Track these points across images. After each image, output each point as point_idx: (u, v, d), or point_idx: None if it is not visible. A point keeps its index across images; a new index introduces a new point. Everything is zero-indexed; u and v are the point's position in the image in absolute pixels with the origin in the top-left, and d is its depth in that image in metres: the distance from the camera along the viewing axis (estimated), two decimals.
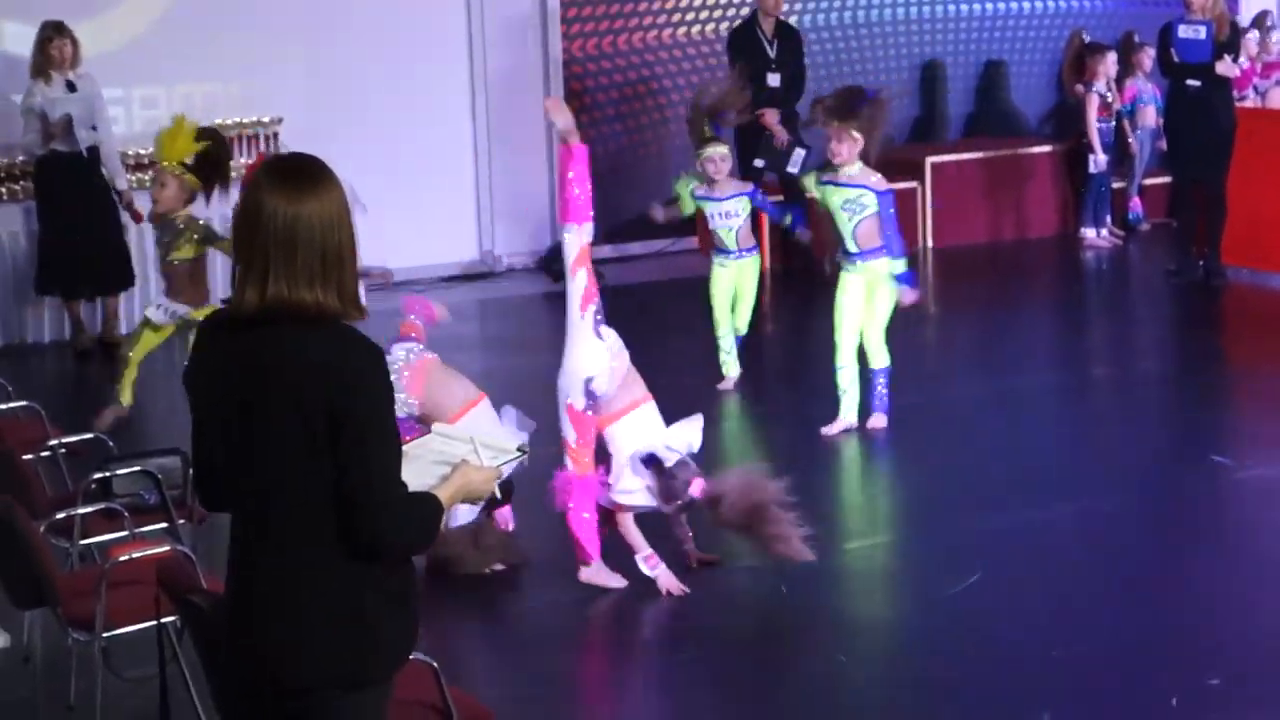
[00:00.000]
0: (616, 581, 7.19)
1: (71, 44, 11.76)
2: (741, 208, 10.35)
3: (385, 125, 13.53)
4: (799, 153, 12.98)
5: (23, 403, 8.24)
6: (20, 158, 12.15)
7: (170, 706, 5.41)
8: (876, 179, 9.31)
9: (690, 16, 14.75)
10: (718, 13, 14.81)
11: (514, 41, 14.10)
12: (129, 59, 12.71)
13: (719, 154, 10.27)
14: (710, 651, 6.73)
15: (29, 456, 7.26)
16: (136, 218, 11.77)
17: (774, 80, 13.25)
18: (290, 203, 3.86)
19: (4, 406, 8.26)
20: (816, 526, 7.23)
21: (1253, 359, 11.12)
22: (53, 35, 11.75)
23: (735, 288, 10.51)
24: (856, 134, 9.17)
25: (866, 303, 9.44)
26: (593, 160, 14.45)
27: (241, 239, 3.90)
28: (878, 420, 9.53)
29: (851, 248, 9.36)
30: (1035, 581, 7.45)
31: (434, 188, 13.79)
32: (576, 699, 6.57)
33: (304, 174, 3.92)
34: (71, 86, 11.81)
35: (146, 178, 11.90)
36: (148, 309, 9.87)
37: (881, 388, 9.54)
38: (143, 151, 12.22)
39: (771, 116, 13.08)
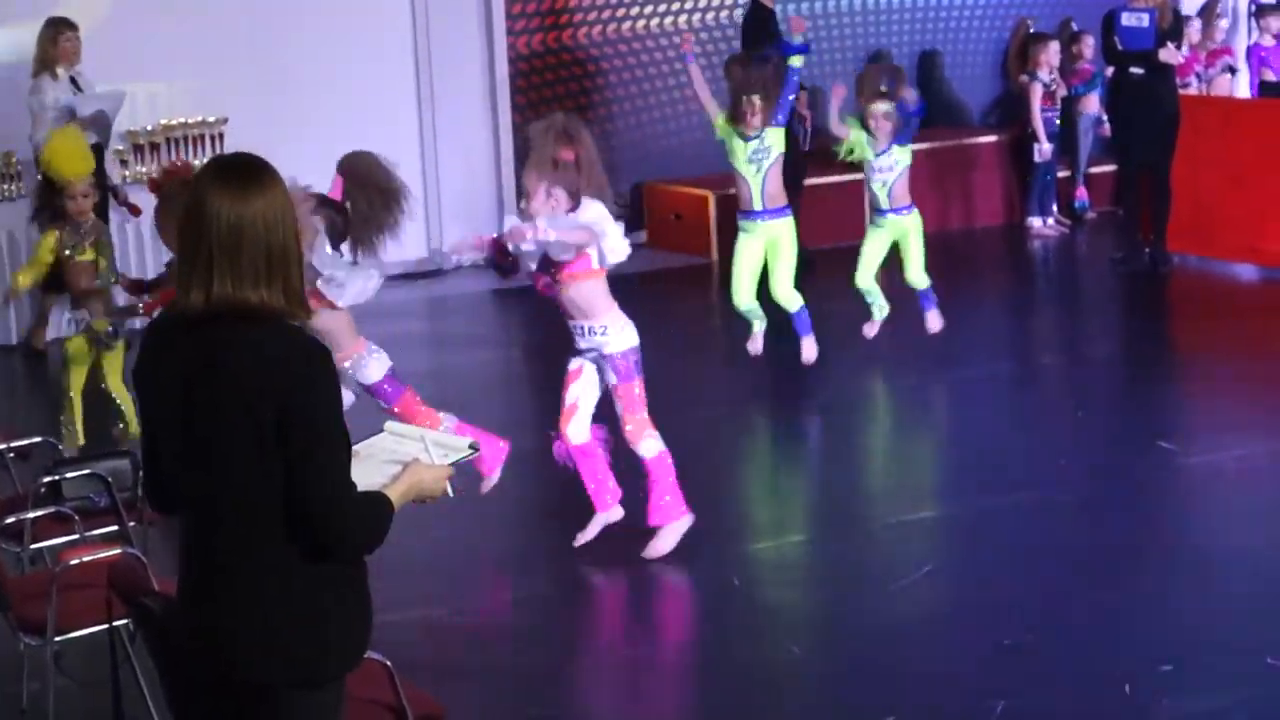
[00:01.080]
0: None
1: (78, 39, 11.79)
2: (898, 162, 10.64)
3: (330, 124, 13.46)
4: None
5: None
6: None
7: (124, 709, 5.39)
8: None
9: (635, 11, 14.74)
10: (662, 7, 14.81)
11: (459, 38, 14.07)
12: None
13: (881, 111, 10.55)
14: (661, 643, 6.75)
15: None
16: (134, 211, 11.70)
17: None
18: (234, 202, 3.85)
19: None
20: (770, 518, 7.25)
21: (1198, 345, 11.20)
22: (64, 29, 11.76)
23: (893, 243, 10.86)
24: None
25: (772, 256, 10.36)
26: None
27: (186, 239, 3.88)
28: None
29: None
30: (986, 570, 7.48)
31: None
32: (530, 694, 6.56)
33: (247, 173, 3.91)
34: (76, 84, 11.82)
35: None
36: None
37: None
38: None
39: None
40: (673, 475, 7.52)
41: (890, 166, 10.53)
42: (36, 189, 9.27)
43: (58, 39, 11.74)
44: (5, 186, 12.35)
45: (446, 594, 7.35)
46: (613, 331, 7.47)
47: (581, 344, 7.51)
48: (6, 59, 12.29)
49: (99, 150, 11.69)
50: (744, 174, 10.20)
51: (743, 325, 10.58)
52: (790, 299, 10.40)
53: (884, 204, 10.59)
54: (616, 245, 7.46)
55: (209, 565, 3.95)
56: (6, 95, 12.07)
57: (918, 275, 10.80)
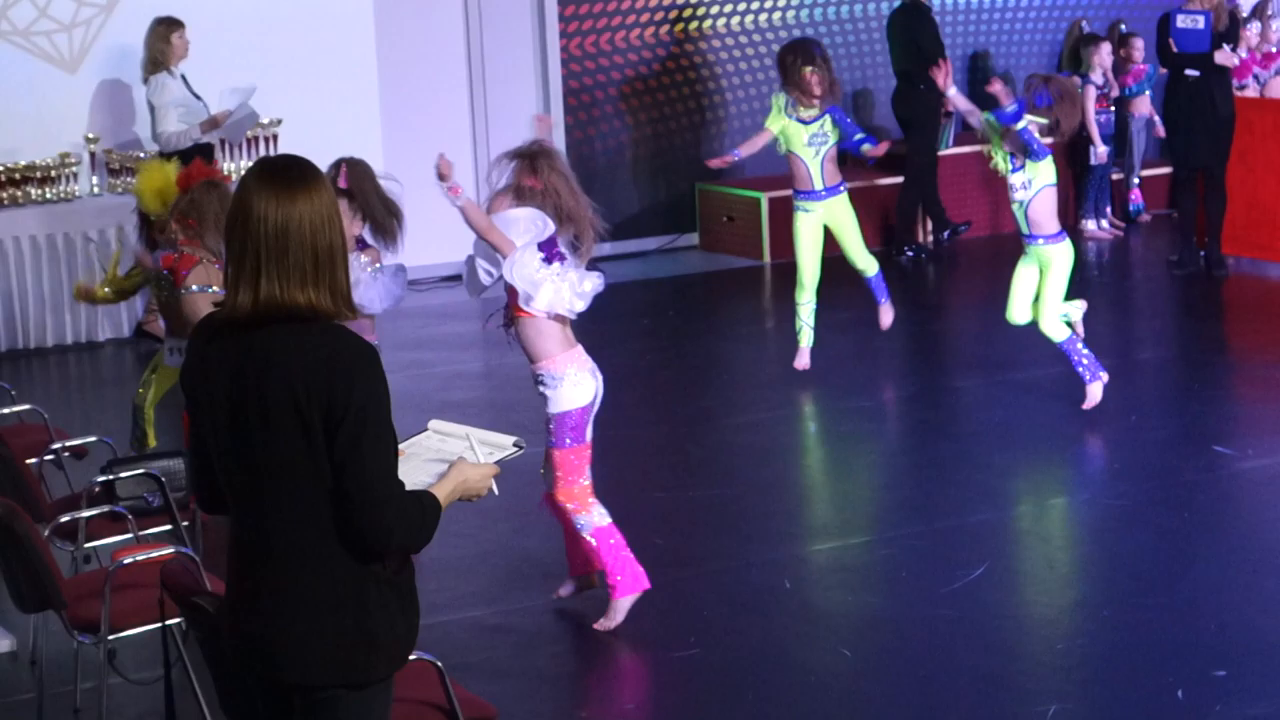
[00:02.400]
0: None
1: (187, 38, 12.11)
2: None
3: (385, 125, 13.54)
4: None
5: (25, 406, 8.24)
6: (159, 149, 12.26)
7: (176, 708, 5.41)
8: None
9: (688, 13, 14.74)
10: (715, 9, 14.80)
11: (512, 39, 14.09)
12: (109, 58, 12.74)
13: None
14: (714, 646, 6.73)
15: (32, 460, 7.27)
16: None
17: None
18: (280, 204, 3.87)
19: (7, 411, 8.27)
20: (819, 519, 7.23)
21: (1254, 349, 11.12)
22: (175, 28, 12.07)
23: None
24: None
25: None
26: (592, 157, 14.57)
27: (232, 241, 3.90)
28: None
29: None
30: (1039, 574, 7.45)
31: (433, 185, 13.76)
32: (580, 695, 6.57)
33: (293, 175, 3.93)
34: (185, 81, 12.12)
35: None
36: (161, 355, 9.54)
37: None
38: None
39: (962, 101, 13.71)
40: (623, 548, 6.86)
41: (1025, 185, 9.40)
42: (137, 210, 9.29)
43: (170, 36, 12.06)
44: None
45: (496, 595, 7.35)
46: (556, 384, 6.65)
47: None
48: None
49: (210, 149, 11.95)
50: (802, 156, 10.26)
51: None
52: (868, 263, 10.53)
53: (1023, 228, 9.48)
54: (547, 296, 6.56)
55: (257, 565, 3.96)
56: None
57: (1043, 319, 9.54)
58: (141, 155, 12.51)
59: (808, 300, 10.45)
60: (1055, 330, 9.44)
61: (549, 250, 6.61)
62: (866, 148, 10.42)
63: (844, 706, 6.30)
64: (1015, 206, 9.43)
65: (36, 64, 12.59)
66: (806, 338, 10.52)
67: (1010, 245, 14.29)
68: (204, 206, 7.82)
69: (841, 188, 10.41)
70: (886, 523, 8.19)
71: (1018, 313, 9.57)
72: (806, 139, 10.20)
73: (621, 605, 6.89)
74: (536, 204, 6.62)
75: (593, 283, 6.65)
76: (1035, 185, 9.33)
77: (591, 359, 6.75)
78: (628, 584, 6.87)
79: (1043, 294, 9.41)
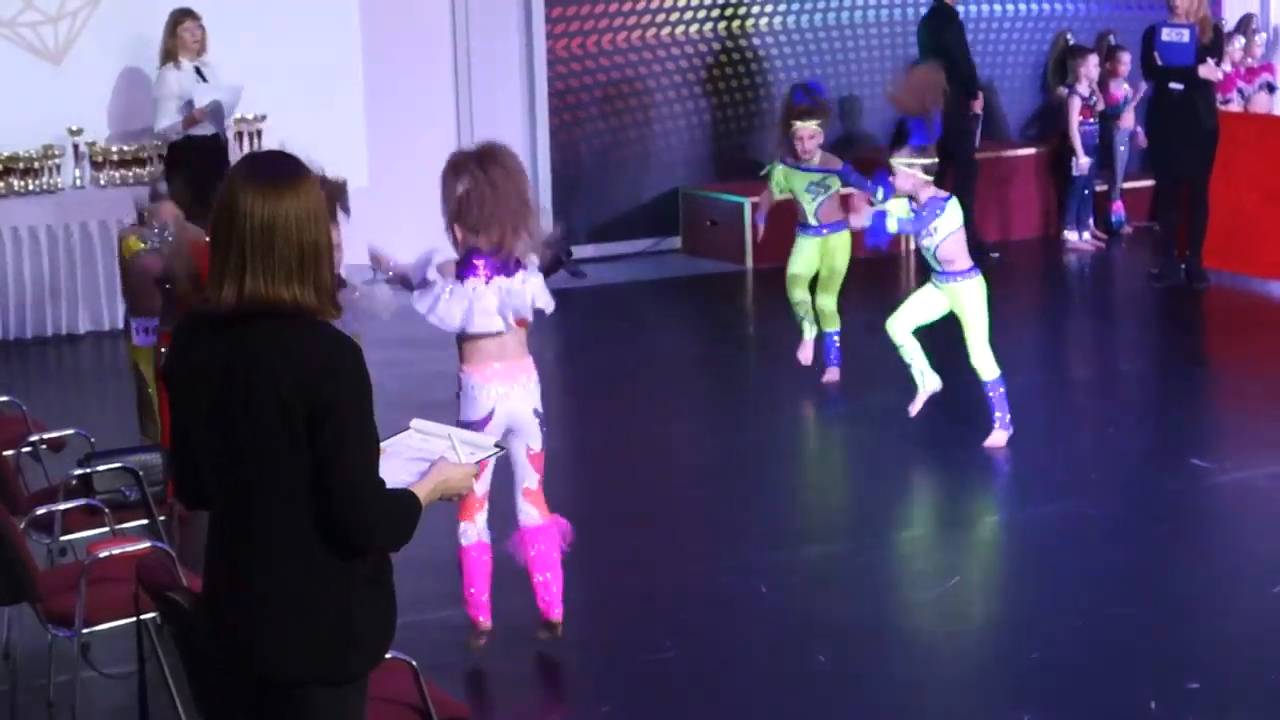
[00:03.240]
0: None
1: (201, 30, 12.11)
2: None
3: (370, 123, 13.53)
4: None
5: (4, 398, 8.23)
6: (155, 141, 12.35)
7: (149, 703, 5.41)
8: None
9: (675, 16, 14.75)
10: (701, 13, 14.81)
11: (498, 41, 14.09)
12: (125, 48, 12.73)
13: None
14: (689, 650, 6.74)
15: (10, 452, 7.25)
16: None
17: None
18: (266, 200, 3.87)
19: None
20: (797, 526, 7.23)
21: (1233, 362, 11.15)
22: (183, 19, 12.07)
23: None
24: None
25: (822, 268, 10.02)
26: (576, 159, 14.57)
27: (218, 237, 3.90)
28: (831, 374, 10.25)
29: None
30: (1015, 584, 7.46)
31: (416, 186, 13.76)
32: (554, 697, 6.57)
33: (280, 171, 3.93)
34: (200, 74, 12.10)
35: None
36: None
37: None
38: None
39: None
40: (472, 583, 6.72)
41: (930, 232, 8.94)
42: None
43: (177, 29, 12.07)
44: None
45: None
46: (458, 393, 6.55)
47: None
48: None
49: (216, 140, 11.93)
50: (800, 200, 10.14)
51: (785, 329, 10.55)
52: (833, 316, 10.32)
53: (934, 266, 9.08)
54: (450, 309, 6.41)
55: (236, 561, 3.96)
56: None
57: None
58: (125, 149, 12.53)
59: (802, 298, 10.29)
60: (985, 368, 9.10)
61: (464, 270, 6.42)
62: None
63: (818, 713, 6.30)
64: (924, 249, 9.05)
65: (21, 55, 12.57)
66: (809, 329, 10.35)
67: (1016, 251, 14.33)
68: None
69: (841, 226, 10.11)
70: (862, 530, 8.19)
71: (898, 327, 9.15)
72: (805, 186, 10.07)
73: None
74: (455, 210, 6.42)
75: (485, 302, 6.38)
76: (941, 231, 8.87)
77: (517, 378, 6.48)
78: (472, 605, 6.68)
79: (967, 335, 9.02)
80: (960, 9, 14.16)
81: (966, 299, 8.99)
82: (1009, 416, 9.11)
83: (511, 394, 6.46)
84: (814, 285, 10.24)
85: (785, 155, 10.13)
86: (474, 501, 6.58)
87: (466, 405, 6.46)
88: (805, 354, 10.43)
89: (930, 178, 8.99)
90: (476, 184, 6.38)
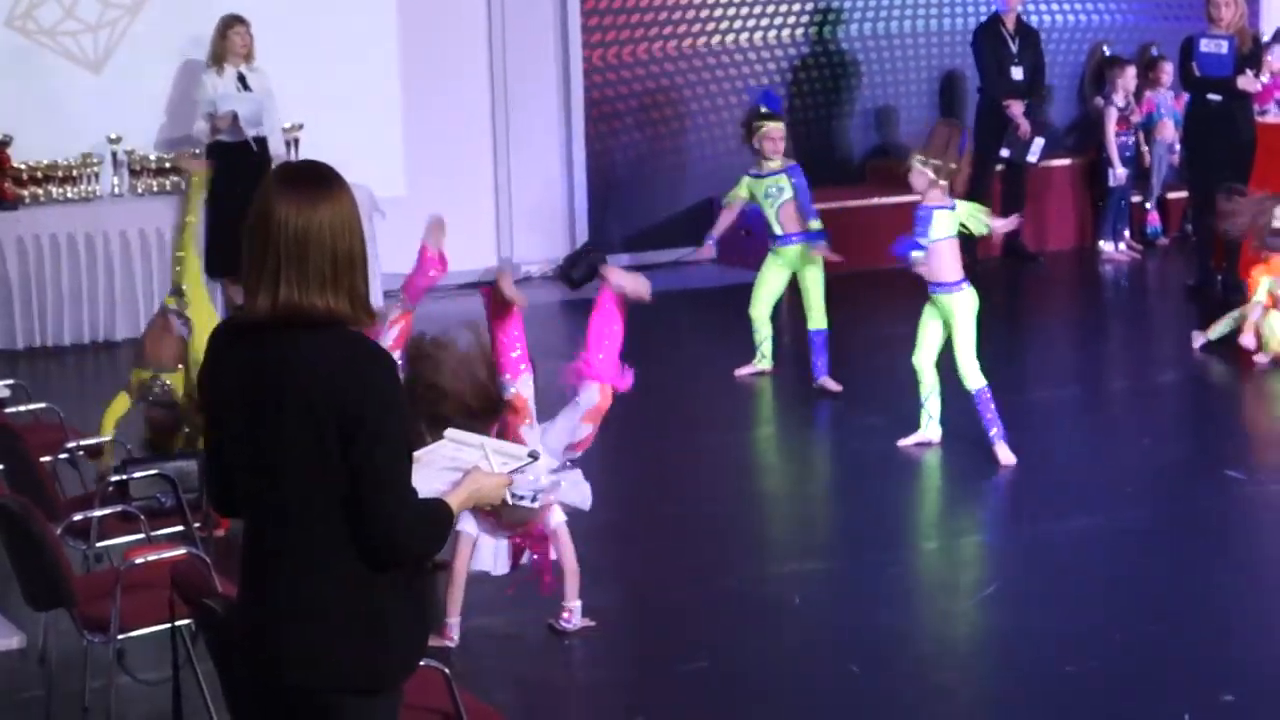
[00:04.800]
0: None
1: (250, 35, 12.23)
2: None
3: (406, 133, 13.56)
4: (1038, 142, 13.87)
5: (41, 404, 8.27)
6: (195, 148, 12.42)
7: (183, 709, 5.43)
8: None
9: (710, 26, 14.76)
10: (738, 23, 14.82)
11: (535, 50, 14.12)
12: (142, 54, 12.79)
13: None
14: (721, 661, 6.74)
15: (47, 459, 7.29)
16: None
17: (1017, 74, 14.09)
18: (301, 209, 3.88)
19: (22, 408, 8.29)
20: (832, 535, 7.22)
21: (1268, 374, 11.10)
22: (233, 24, 12.20)
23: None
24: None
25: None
26: (612, 169, 14.58)
27: (253, 245, 3.91)
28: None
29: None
30: (1050, 595, 7.44)
31: (453, 194, 13.81)
32: (586, 706, 6.57)
33: (314, 180, 3.94)
34: (243, 80, 12.22)
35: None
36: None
37: None
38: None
39: (1017, 108, 13.93)
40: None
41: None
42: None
43: (227, 33, 12.20)
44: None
45: (505, 604, 7.35)
46: None
47: None
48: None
49: (262, 143, 12.08)
50: (761, 206, 10.60)
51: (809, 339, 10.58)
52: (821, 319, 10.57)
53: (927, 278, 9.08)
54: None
55: (269, 569, 3.97)
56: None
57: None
58: (164, 156, 12.59)
59: (760, 317, 10.78)
60: (971, 377, 9.05)
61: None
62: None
63: None
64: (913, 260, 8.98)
65: (62, 64, 12.64)
66: (762, 358, 10.82)
67: (1052, 262, 14.30)
68: None
69: (807, 236, 10.51)
70: (896, 541, 8.18)
71: (922, 358, 9.20)
72: (764, 191, 10.56)
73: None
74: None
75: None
76: (930, 238, 8.85)
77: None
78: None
79: (955, 345, 9.02)
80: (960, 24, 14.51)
81: (956, 309, 8.99)
82: (1002, 429, 9.04)
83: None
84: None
85: (750, 168, 10.69)
86: None
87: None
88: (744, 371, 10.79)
89: (943, 181, 8.95)
90: (436, 371, 6.62)
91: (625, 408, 7.14)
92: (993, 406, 9.04)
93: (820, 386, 10.41)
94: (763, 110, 10.67)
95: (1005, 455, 9.02)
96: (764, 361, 10.81)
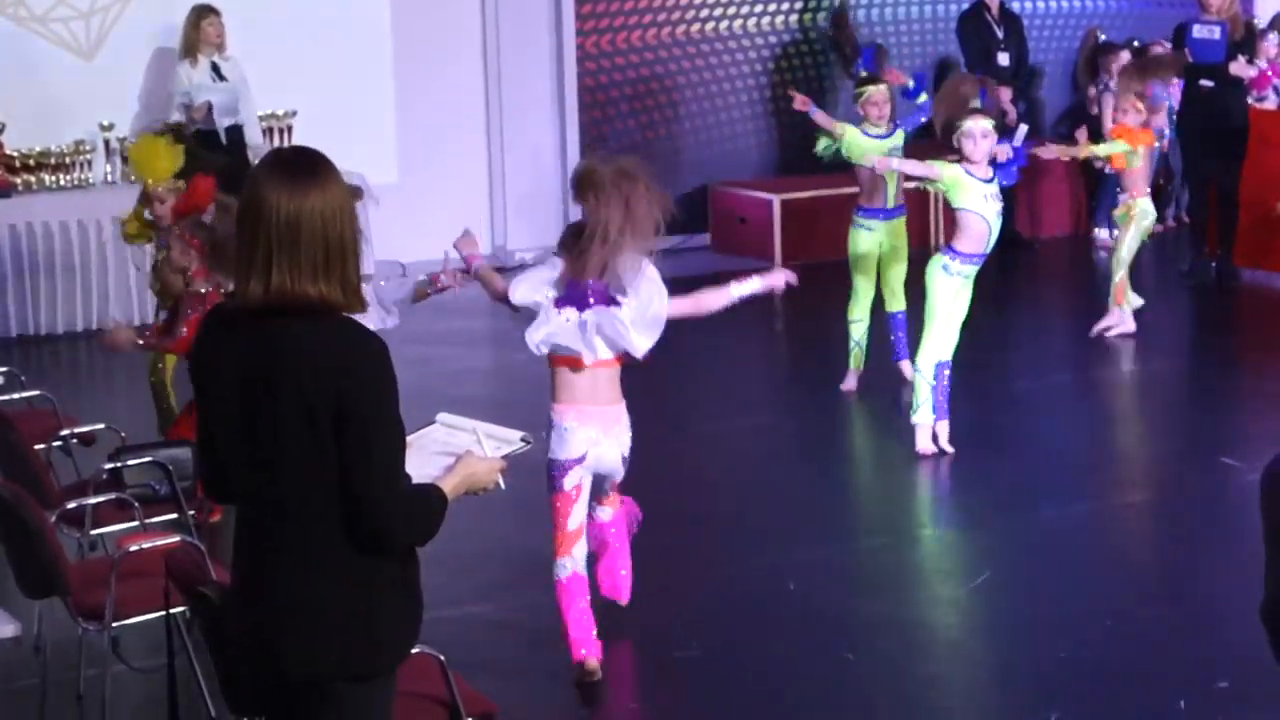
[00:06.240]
0: None
1: (222, 25, 12.24)
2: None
3: (399, 120, 13.55)
4: (1023, 128, 13.91)
5: (35, 392, 8.26)
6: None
7: (178, 696, 5.43)
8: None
9: (704, 13, 14.74)
10: (730, 10, 14.81)
11: (528, 37, 14.10)
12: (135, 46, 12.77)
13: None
14: (716, 647, 6.74)
15: (40, 446, 7.29)
16: None
17: (1004, 59, 14.16)
18: (292, 196, 3.87)
19: (16, 396, 8.28)
20: (827, 522, 7.23)
21: (1264, 360, 11.11)
22: (205, 14, 12.19)
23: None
24: None
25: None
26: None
27: (244, 233, 3.90)
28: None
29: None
30: (1044, 581, 7.45)
31: (446, 182, 13.81)
32: (581, 693, 6.57)
33: (305, 167, 3.93)
34: (217, 70, 12.22)
35: None
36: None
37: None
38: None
39: (1004, 94, 13.61)
40: (572, 608, 6.50)
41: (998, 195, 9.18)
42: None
43: (199, 23, 12.20)
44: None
45: (499, 591, 7.36)
46: (548, 432, 6.43)
47: None
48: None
49: (234, 133, 12.11)
50: (860, 166, 9.98)
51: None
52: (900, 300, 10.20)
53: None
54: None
55: (263, 556, 3.97)
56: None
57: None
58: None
59: (860, 318, 10.13)
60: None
61: (567, 297, 6.34)
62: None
63: (845, 710, 6.30)
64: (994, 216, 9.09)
65: (53, 51, 12.62)
66: (857, 358, 10.16)
67: (1046, 249, 14.31)
68: (224, 241, 7.49)
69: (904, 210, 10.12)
70: (891, 527, 8.19)
71: (924, 361, 8.95)
72: (887, 151, 9.88)
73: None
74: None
75: (534, 337, 6.31)
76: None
77: (611, 428, 6.48)
78: (571, 644, 6.49)
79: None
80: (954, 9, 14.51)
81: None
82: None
83: (603, 442, 6.45)
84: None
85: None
86: (568, 537, 6.49)
87: (557, 444, 6.39)
88: (849, 384, 10.17)
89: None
90: (618, 204, 6.40)
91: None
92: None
93: (900, 368, 10.10)
94: (863, 74, 10.21)
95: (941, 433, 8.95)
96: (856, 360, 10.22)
